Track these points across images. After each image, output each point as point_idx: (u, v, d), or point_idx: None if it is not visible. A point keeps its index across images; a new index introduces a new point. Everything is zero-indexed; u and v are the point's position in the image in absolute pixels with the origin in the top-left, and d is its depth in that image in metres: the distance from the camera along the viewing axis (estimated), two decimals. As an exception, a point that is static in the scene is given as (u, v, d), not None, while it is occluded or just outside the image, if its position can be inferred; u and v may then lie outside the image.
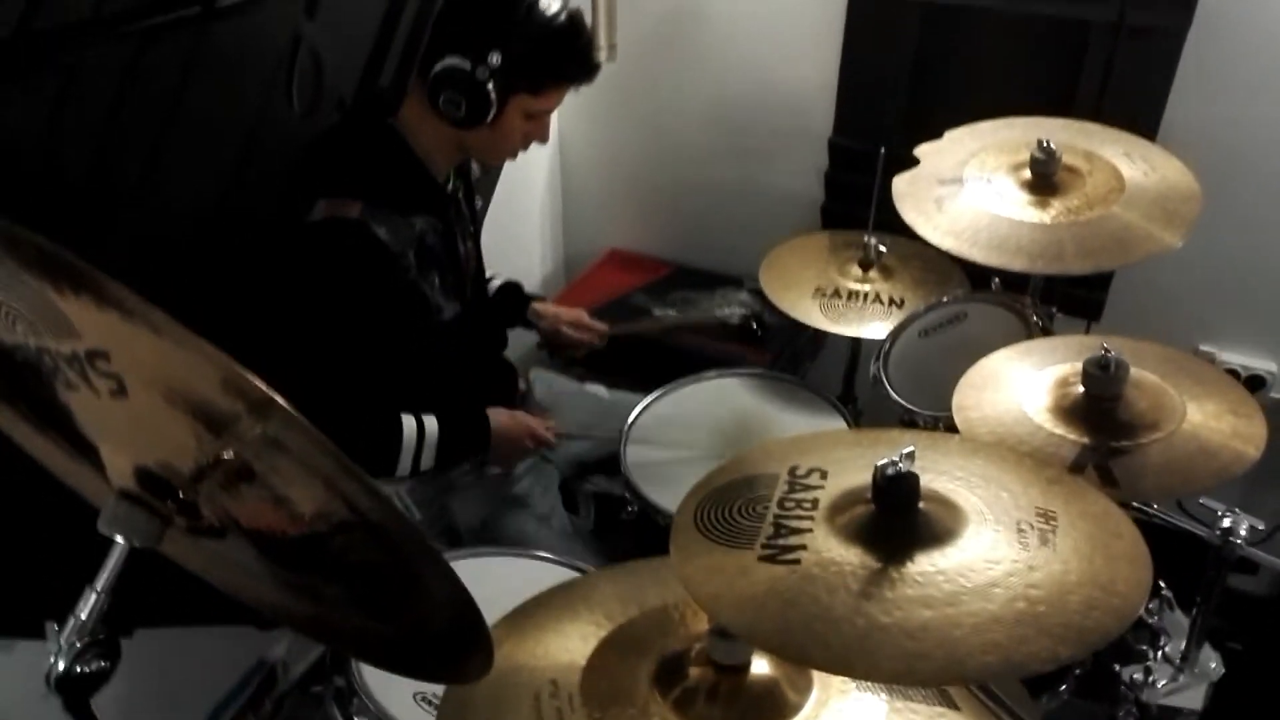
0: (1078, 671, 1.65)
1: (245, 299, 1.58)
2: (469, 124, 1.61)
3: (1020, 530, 0.95)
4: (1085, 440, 1.32)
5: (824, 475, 1.05)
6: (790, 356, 2.50)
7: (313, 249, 1.58)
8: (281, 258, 1.59)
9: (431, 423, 1.68)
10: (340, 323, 1.60)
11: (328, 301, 1.59)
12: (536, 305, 2.08)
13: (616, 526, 1.85)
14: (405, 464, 1.67)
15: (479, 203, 1.93)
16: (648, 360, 2.32)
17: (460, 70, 1.57)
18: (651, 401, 1.97)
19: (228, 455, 0.83)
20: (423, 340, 1.73)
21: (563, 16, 1.60)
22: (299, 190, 1.59)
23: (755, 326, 2.52)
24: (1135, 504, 1.34)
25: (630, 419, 1.91)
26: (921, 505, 0.96)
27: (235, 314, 1.49)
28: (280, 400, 0.76)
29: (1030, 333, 1.80)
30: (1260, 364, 2.34)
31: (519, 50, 1.57)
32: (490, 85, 1.57)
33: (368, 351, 1.63)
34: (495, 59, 1.56)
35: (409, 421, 1.66)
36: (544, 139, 1.75)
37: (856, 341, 2.15)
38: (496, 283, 2.09)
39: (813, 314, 2.00)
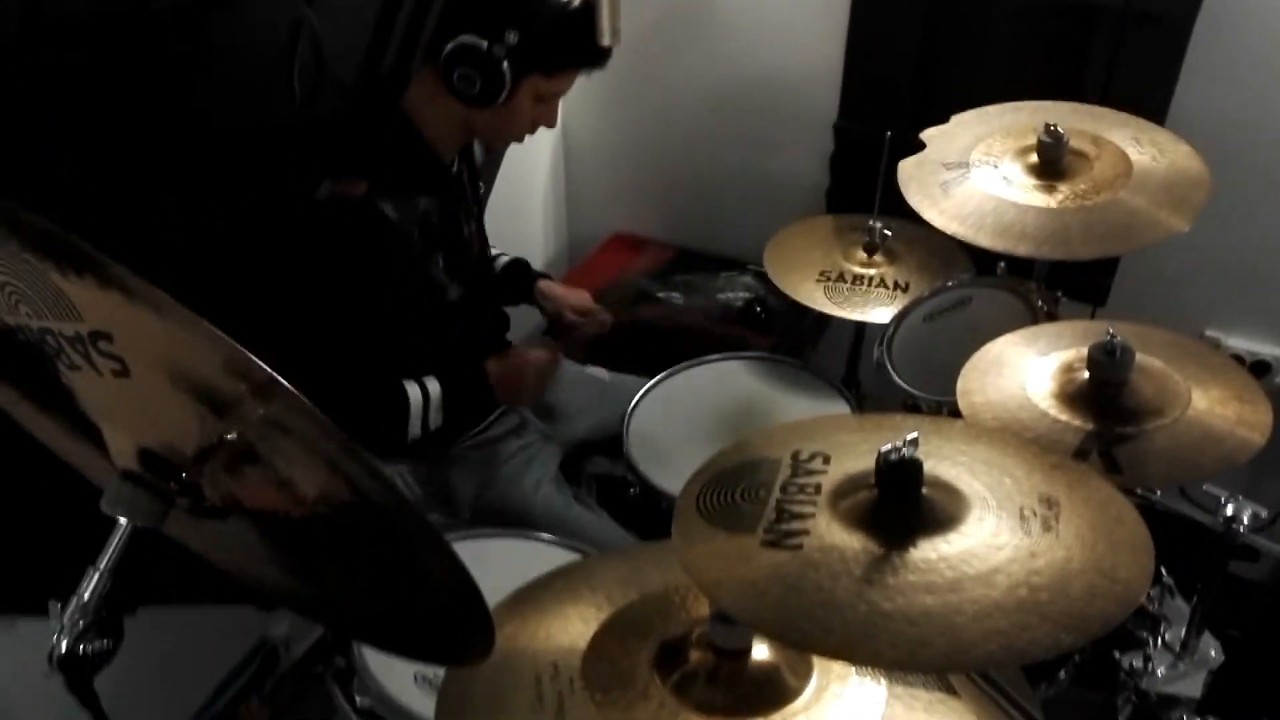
0: (1077, 658, 1.65)
1: (252, 280, 1.58)
2: (481, 103, 1.61)
3: (1023, 516, 0.95)
4: (1089, 426, 1.31)
5: (827, 460, 1.05)
6: (794, 340, 2.49)
7: (319, 227, 1.59)
8: (288, 237, 1.59)
9: (434, 385, 1.70)
10: (347, 300, 1.60)
11: (335, 279, 1.59)
12: (542, 284, 2.07)
13: (619, 509, 1.85)
14: (415, 429, 1.69)
15: (482, 187, 1.93)
16: (651, 344, 2.32)
17: (476, 47, 1.57)
18: (654, 385, 1.97)
19: (231, 436, 0.84)
20: (427, 320, 1.74)
21: (578, 0, 1.60)
22: (306, 172, 1.60)
23: (759, 310, 2.51)
24: (1139, 490, 1.34)
25: (633, 402, 1.91)
26: (924, 491, 0.95)
27: (242, 295, 1.49)
28: (283, 382, 0.76)
29: (1035, 317, 1.79)
30: (1266, 350, 2.33)
31: (536, 30, 1.57)
32: (505, 64, 1.57)
33: (374, 328, 1.64)
34: (512, 38, 1.56)
35: (413, 388, 1.68)
36: (551, 123, 1.75)
37: (860, 326, 2.14)
38: (504, 260, 2.09)
39: (817, 298, 2.00)
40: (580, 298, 2.07)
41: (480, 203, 1.91)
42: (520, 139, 1.78)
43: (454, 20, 1.59)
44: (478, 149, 1.90)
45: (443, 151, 1.73)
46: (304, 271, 1.59)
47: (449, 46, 1.58)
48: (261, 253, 1.59)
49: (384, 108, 1.68)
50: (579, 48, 1.64)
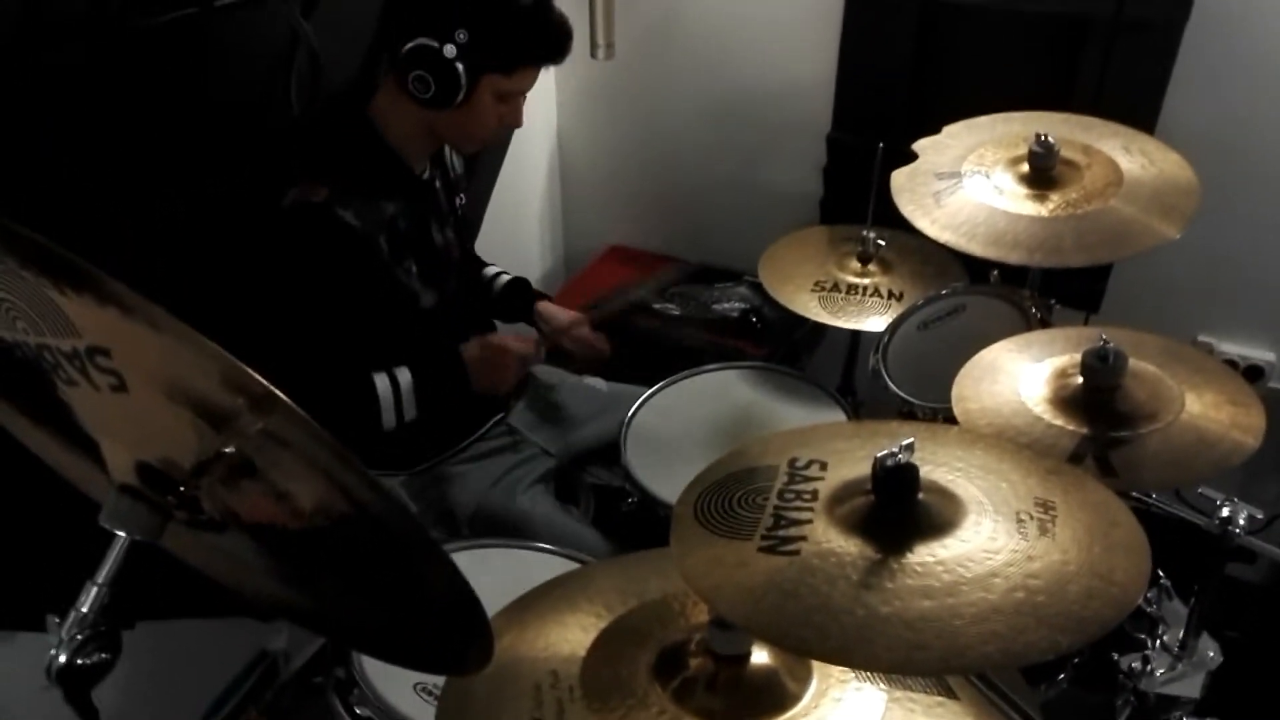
0: (1076, 660, 1.65)
1: (224, 287, 1.59)
2: (439, 105, 1.61)
3: (1019, 520, 0.95)
4: (1084, 431, 1.32)
5: (823, 467, 1.05)
6: (790, 350, 2.50)
7: (281, 233, 1.60)
8: (253, 243, 1.61)
9: (404, 373, 1.69)
10: (310, 305, 1.61)
11: (298, 284, 1.60)
12: (541, 307, 2.06)
13: (616, 518, 1.85)
14: (389, 418, 1.68)
15: (461, 198, 1.92)
16: (647, 354, 2.32)
17: (428, 49, 1.57)
18: (651, 394, 1.97)
19: (228, 450, 0.84)
20: (400, 326, 1.74)
21: None
22: (274, 179, 1.61)
23: (755, 320, 2.52)
24: (1134, 494, 1.35)
25: (630, 412, 1.92)
26: (921, 496, 0.96)
27: (218, 303, 1.50)
28: (281, 395, 0.76)
29: (1029, 325, 1.80)
30: (1259, 354, 2.34)
31: (487, 28, 1.57)
32: (459, 65, 1.57)
33: (340, 332, 1.64)
34: (462, 36, 1.56)
35: (380, 379, 1.68)
36: (518, 123, 1.75)
37: (855, 334, 2.15)
38: (505, 278, 2.09)
39: (811, 307, 2.00)
40: (578, 325, 2.02)
41: (456, 211, 1.91)
42: (488, 141, 1.77)
43: (407, 23, 1.59)
44: (455, 160, 1.90)
45: (411, 157, 1.73)
46: (267, 274, 1.60)
47: (403, 50, 1.58)
48: (229, 254, 1.60)
49: (350, 113, 1.69)
50: (532, 43, 1.64)
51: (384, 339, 1.72)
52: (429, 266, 1.76)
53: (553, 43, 1.66)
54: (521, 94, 1.71)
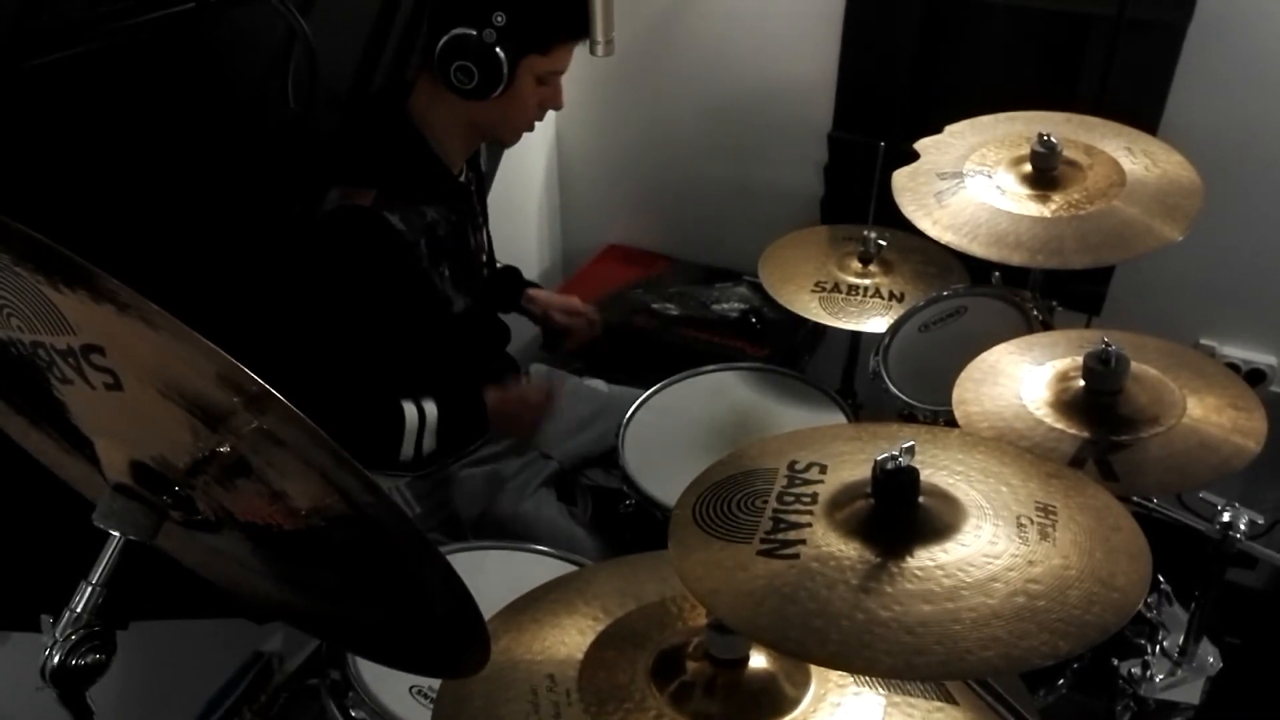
0: (1075, 665, 1.65)
1: (253, 291, 1.57)
2: (483, 94, 1.60)
3: (1020, 524, 0.95)
4: (1085, 434, 1.32)
5: (823, 470, 1.04)
6: (789, 351, 2.49)
7: (326, 238, 1.58)
8: (294, 248, 1.59)
9: (431, 407, 1.69)
10: (353, 311, 1.59)
11: (341, 290, 1.59)
12: (530, 291, 2.07)
13: (614, 520, 1.85)
14: (408, 450, 1.67)
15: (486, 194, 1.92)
16: (647, 355, 2.31)
17: (468, 37, 1.56)
18: (650, 395, 1.96)
19: (224, 449, 0.83)
20: (432, 332, 1.73)
21: None
22: (312, 183, 1.59)
23: (754, 321, 2.52)
24: (1135, 499, 1.34)
25: (628, 414, 1.91)
26: (921, 500, 0.95)
27: (239, 306, 1.49)
28: (276, 394, 0.76)
29: (1030, 327, 1.80)
30: (1261, 358, 2.33)
31: (522, 6, 1.57)
32: (498, 49, 1.57)
33: (378, 340, 1.63)
34: (500, 19, 1.55)
35: (409, 408, 1.67)
36: (559, 104, 1.74)
37: (856, 336, 2.15)
38: (496, 266, 2.08)
39: (812, 308, 2.00)
40: (566, 299, 2.03)
41: (487, 213, 1.90)
42: (530, 127, 1.76)
43: (441, 17, 1.58)
44: (484, 157, 1.89)
45: (451, 160, 1.72)
46: (309, 282, 1.58)
47: (441, 43, 1.57)
48: (265, 263, 1.59)
49: (389, 117, 1.67)
50: (567, 17, 1.62)
51: (417, 346, 1.71)
52: (461, 271, 1.75)
53: (584, 16, 1.65)
54: (559, 74, 1.70)
